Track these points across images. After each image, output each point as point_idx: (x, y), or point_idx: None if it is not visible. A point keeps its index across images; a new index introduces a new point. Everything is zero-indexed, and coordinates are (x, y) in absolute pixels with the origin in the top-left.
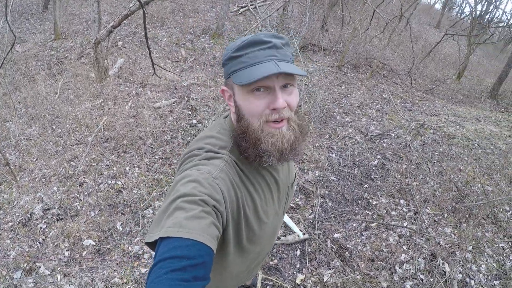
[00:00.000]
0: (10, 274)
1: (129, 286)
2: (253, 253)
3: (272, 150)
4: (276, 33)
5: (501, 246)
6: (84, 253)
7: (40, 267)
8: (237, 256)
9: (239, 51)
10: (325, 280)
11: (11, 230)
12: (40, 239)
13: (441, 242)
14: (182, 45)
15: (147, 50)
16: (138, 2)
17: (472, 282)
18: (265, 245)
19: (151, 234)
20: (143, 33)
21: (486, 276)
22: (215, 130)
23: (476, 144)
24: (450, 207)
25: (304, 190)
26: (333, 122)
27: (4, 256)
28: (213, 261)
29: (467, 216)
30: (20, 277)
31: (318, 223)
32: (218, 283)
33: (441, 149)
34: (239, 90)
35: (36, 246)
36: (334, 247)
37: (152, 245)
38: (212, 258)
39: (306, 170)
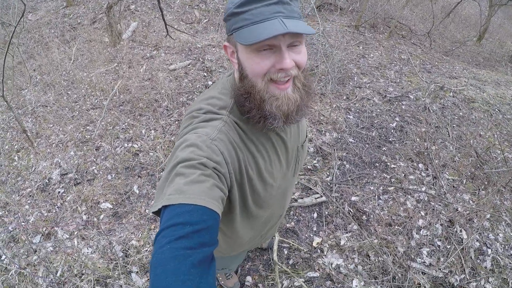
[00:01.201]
0: (29, 238)
1: (146, 248)
2: (263, 217)
3: (277, 113)
4: None
5: None
6: (102, 216)
7: (58, 232)
8: (245, 220)
9: (242, 6)
10: (341, 243)
11: (30, 195)
12: (58, 204)
13: (459, 209)
14: (195, 7)
15: (160, 12)
16: None
17: (489, 251)
18: (276, 208)
19: (155, 203)
20: None
21: (503, 245)
22: (217, 90)
23: (496, 109)
24: (469, 173)
25: (321, 152)
26: (350, 83)
27: (23, 222)
28: (219, 224)
29: (486, 183)
30: (39, 242)
31: (335, 185)
32: (231, 247)
33: (461, 113)
34: (242, 48)
35: (54, 211)
36: (352, 211)
37: (159, 213)
38: (218, 221)
39: (323, 132)
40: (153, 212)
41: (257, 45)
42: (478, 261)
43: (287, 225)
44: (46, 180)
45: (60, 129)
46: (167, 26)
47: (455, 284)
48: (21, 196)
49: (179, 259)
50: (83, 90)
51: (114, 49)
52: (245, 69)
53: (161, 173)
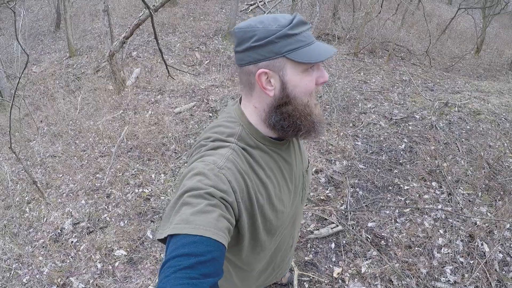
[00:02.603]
0: None
1: None
2: (273, 246)
3: (320, 119)
4: None
5: None
6: (117, 263)
7: (73, 282)
8: (255, 250)
9: (295, 28)
10: (363, 271)
11: (43, 246)
12: (72, 253)
13: (477, 222)
14: (196, 49)
15: (160, 55)
16: (147, 10)
17: None
18: (285, 236)
19: (161, 231)
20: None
21: None
22: (223, 119)
23: (503, 118)
24: (484, 185)
25: (333, 181)
26: (355, 110)
27: (38, 274)
28: (225, 255)
29: (501, 193)
30: None
31: (350, 213)
32: (245, 281)
33: (468, 127)
34: (294, 70)
35: (68, 261)
36: (369, 237)
37: (164, 241)
38: (223, 252)
39: (333, 161)
40: (158, 239)
41: (308, 65)
42: (504, 272)
43: (305, 258)
44: (59, 230)
45: (70, 178)
46: (167, 66)
47: None
48: (34, 247)
49: None
50: (90, 139)
51: (119, 96)
52: (295, 90)
53: None
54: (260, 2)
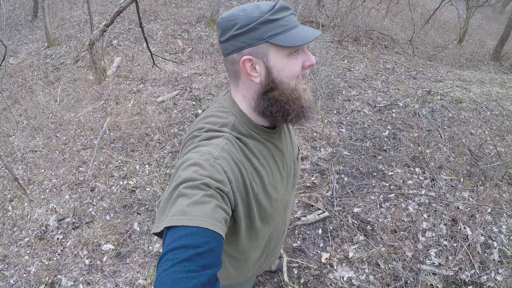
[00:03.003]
0: None
1: None
2: (267, 233)
3: (309, 104)
4: None
5: None
6: (105, 258)
7: (61, 279)
8: (251, 238)
9: (277, 13)
10: (350, 256)
11: (28, 245)
12: (59, 250)
13: (460, 207)
14: (178, 36)
15: (144, 45)
16: None
17: (495, 243)
18: (277, 223)
19: (157, 224)
20: (138, 28)
21: (507, 236)
22: (215, 109)
23: (484, 107)
24: (465, 171)
25: (318, 168)
26: (339, 97)
27: (25, 273)
28: (223, 245)
29: (483, 178)
30: None
31: (336, 199)
32: (240, 270)
33: (450, 114)
34: (278, 55)
35: (55, 258)
36: (356, 222)
37: (160, 234)
38: (221, 243)
39: (318, 148)
40: (154, 233)
41: (293, 48)
42: (486, 254)
43: (294, 244)
44: (44, 228)
45: (52, 173)
46: (153, 56)
47: (467, 280)
48: (19, 246)
49: (183, 282)
50: (72, 131)
51: (100, 86)
52: (280, 75)
53: None
54: None
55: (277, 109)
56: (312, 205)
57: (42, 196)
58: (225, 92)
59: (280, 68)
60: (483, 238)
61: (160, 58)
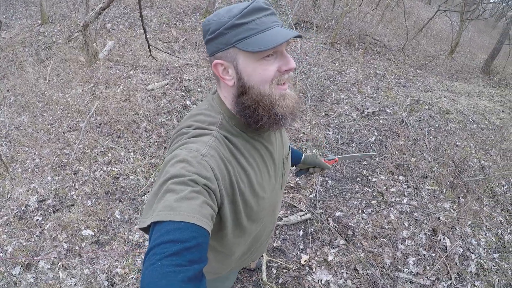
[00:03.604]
0: (8, 270)
1: (132, 276)
2: (254, 232)
3: (287, 111)
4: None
5: (499, 220)
6: (84, 244)
7: (39, 261)
8: (237, 236)
9: (245, 17)
10: (329, 259)
11: (7, 224)
12: (37, 232)
13: (441, 218)
14: (172, 25)
15: (137, 31)
16: None
17: (473, 255)
18: (266, 222)
19: (143, 219)
20: (132, 14)
21: (485, 249)
22: (203, 107)
23: (471, 120)
24: (448, 183)
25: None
26: (328, 100)
27: (1, 252)
28: (209, 241)
29: (465, 191)
30: (19, 273)
31: (319, 202)
32: (223, 264)
33: (437, 125)
34: (246, 59)
35: (33, 240)
36: (337, 226)
37: (146, 230)
38: (208, 239)
39: (304, 149)
40: (140, 228)
41: (263, 53)
42: (463, 266)
43: (274, 244)
44: (23, 208)
45: (36, 153)
46: (150, 46)
47: None
48: None
49: (170, 276)
50: (59, 112)
51: (90, 69)
52: (250, 80)
53: (143, 196)
54: None
55: (249, 114)
56: (295, 206)
57: (24, 175)
58: (214, 91)
59: (250, 73)
60: (461, 250)
61: (157, 49)
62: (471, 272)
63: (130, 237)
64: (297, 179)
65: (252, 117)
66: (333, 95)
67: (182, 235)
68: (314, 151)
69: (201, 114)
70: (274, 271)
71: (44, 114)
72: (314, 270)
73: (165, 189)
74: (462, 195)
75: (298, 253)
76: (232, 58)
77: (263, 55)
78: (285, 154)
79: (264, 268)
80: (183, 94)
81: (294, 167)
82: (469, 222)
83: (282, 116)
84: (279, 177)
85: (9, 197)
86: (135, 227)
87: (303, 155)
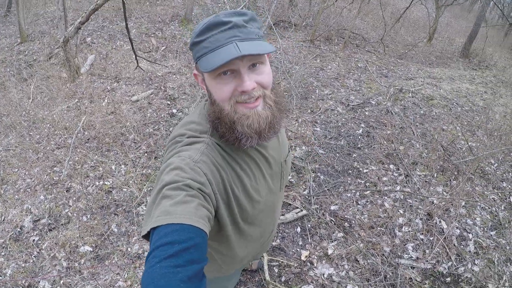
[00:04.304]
0: None
1: None
2: (254, 233)
3: (249, 132)
4: (238, 10)
5: (492, 198)
6: (83, 260)
7: (39, 282)
8: (239, 238)
9: (201, 35)
10: (329, 253)
11: (3, 247)
12: (35, 252)
13: (434, 201)
14: (152, 35)
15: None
16: None
17: (470, 235)
18: (266, 224)
19: (144, 227)
20: (111, 26)
21: (482, 228)
22: (195, 115)
23: (454, 103)
24: (439, 167)
25: (294, 167)
26: (313, 96)
27: (0, 276)
28: (207, 242)
29: (455, 173)
30: None
31: (313, 197)
32: (227, 265)
33: (422, 112)
34: (207, 76)
35: (31, 261)
36: (333, 220)
37: (148, 237)
38: (205, 239)
39: (293, 147)
40: (143, 237)
41: (217, 71)
42: (462, 246)
43: (273, 243)
44: (19, 229)
45: (26, 172)
46: (137, 57)
47: (444, 272)
48: None
49: (169, 276)
50: (45, 130)
51: (74, 84)
52: (212, 95)
53: (138, 208)
54: None
55: (216, 126)
56: (290, 204)
57: (16, 196)
58: (206, 99)
59: (211, 89)
60: (458, 231)
61: (144, 59)
62: (470, 251)
63: (129, 249)
64: (289, 177)
65: (218, 131)
66: (317, 92)
67: (179, 237)
68: (303, 148)
69: (193, 122)
70: (276, 270)
71: (31, 133)
72: (315, 265)
73: (161, 196)
74: (453, 177)
75: (298, 249)
76: (200, 71)
77: (216, 74)
78: (284, 157)
79: (266, 267)
80: (168, 102)
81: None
82: (463, 203)
83: (243, 135)
84: (276, 180)
85: (3, 220)
86: (133, 239)
87: None
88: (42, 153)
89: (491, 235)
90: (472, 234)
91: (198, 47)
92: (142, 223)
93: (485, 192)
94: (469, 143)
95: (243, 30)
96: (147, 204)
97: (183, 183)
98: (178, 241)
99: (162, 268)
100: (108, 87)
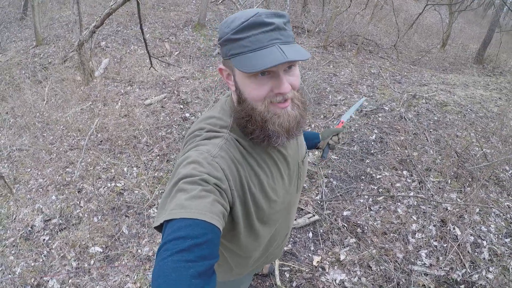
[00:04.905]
0: None
1: None
2: (267, 234)
3: (280, 130)
4: (277, 11)
5: (507, 205)
6: (92, 261)
7: (48, 281)
8: (251, 237)
9: (240, 33)
10: (341, 258)
11: (13, 245)
12: (45, 252)
13: (448, 208)
14: (166, 40)
15: (131, 48)
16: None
17: (484, 242)
18: (280, 225)
19: (157, 219)
20: (125, 31)
21: (496, 235)
22: (216, 111)
23: (469, 109)
24: (453, 173)
25: (307, 172)
26: (326, 102)
27: (10, 274)
28: (220, 238)
29: (470, 179)
30: None
31: (326, 203)
32: (238, 267)
33: (436, 118)
34: (240, 74)
35: (41, 260)
36: (346, 225)
37: (160, 228)
38: (218, 235)
39: (306, 152)
40: (155, 227)
41: (254, 73)
42: (476, 254)
43: (284, 248)
44: (29, 228)
45: (39, 173)
46: (150, 57)
47: (458, 279)
48: (3, 246)
49: (180, 270)
50: (59, 131)
51: (88, 87)
52: (243, 93)
53: (149, 210)
54: None
55: (243, 124)
56: (302, 209)
57: (28, 195)
58: (227, 94)
59: (243, 87)
60: (472, 238)
61: (158, 59)
62: (484, 258)
63: (139, 251)
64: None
65: (246, 128)
66: (330, 97)
67: (192, 232)
68: (316, 153)
69: (213, 117)
70: (287, 275)
71: (45, 134)
72: (327, 270)
73: (177, 189)
74: (467, 184)
75: (310, 255)
76: (230, 67)
77: (253, 74)
78: (301, 158)
79: (277, 272)
80: (181, 106)
81: (317, 149)
82: (477, 210)
83: (274, 134)
84: (294, 181)
85: (14, 219)
86: (144, 241)
87: (319, 133)
88: (55, 154)
89: (506, 242)
90: (487, 241)
91: (235, 44)
92: (156, 214)
93: (500, 199)
94: (484, 150)
95: (283, 33)
96: (162, 196)
97: (200, 178)
98: (191, 236)
99: (174, 262)
100: (122, 91)
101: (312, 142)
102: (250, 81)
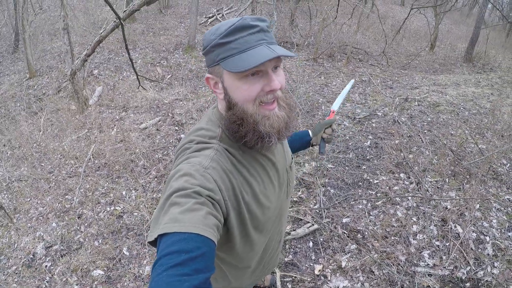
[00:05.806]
0: None
1: None
2: (262, 243)
3: (271, 131)
4: (260, 16)
5: (507, 198)
6: (95, 284)
7: None
8: (246, 247)
9: (228, 36)
10: (343, 265)
11: (16, 273)
12: (47, 278)
13: (448, 206)
14: (157, 64)
15: (124, 74)
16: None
17: (487, 238)
18: (273, 232)
19: (151, 233)
20: (117, 58)
21: (499, 230)
22: (204, 122)
23: (461, 108)
24: (450, 172)
25: (304, 183)
26: (319, 113)
27: None
28: (215, 251)
29: (467, 176)
30: None
31: (324, 211)
32: (237, 280)
33: (429, 119)
34: (230, 77)
35: (44, 286)
36: (346, 232)
37: (154, 243)
38: (213, 248)
39: (302, 163)
40: (149, 242)
41: (246, 72)
42: (479, 250)
43: (285, 259)
44: (31, 256)
45: (39, 201)
46: (138, 77)
47: (463, 277)
48: (6, 275)
49: (176, 284)
50: (56, 160)
51: (83, 116)
52: (234, 97)
53: (149, 231)
54: (218, 14)
55: (234, 129)
56: (301, 219)
57: (29, 224)
58: (214, 106)
59: (233, 91)
60: (474, 234)
61: (145, 78)
62: (488, 254)
63: (141, 271)
64: (299, 193)
65: (238, 133)
66: (323, 108)
67: (187, 245)
68: (312, 164)
69: (202, 129)
70: (290, 286)
71: (43, 164)
72: (329, 278)
73: (170, 202)
74: (465, 181)
75: (311, 264)
76: (218, 74)
77: (244, 75)
78: (288, 164)
79: (278, 283)
80: (176, 128)
81: (311, 146)
82: (478, 206)
83: (266, 134)
84: (283, 187)
85: (16, 247)
86: (145, 261)
87: (309, 131)
88: (53, 182)
89: (509, 236)
90: (489, 237)
91: (224, 48)
92: (150, 229)
93: (500, 193)
94: (480, 146)
95: (268, 35)
96: (155, 211)
97: (192, 190)
98: (185, 250)
99: (168, 277)
100: (117, 117)
101: (303, 141)
102: (241, 83)
